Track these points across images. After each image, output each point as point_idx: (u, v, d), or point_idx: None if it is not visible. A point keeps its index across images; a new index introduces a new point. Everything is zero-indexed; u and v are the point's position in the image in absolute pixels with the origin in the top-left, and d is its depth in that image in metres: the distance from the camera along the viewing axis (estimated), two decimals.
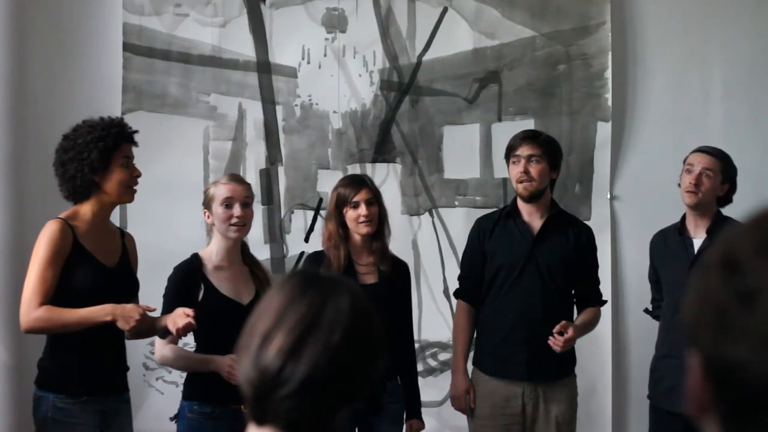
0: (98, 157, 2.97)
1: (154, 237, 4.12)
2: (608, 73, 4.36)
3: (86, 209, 3.04)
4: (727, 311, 0.78)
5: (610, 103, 4.36)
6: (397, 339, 3.36)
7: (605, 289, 3.88)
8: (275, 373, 1.19)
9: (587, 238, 3.59)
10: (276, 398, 1.20)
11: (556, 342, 3.33)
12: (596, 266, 3.62)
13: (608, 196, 4.37)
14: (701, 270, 0.83)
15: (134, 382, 3.80)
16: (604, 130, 4.37)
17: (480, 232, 3.58)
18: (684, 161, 3.60)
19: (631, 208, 4.35)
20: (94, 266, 3.00)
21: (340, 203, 3.37)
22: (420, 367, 4.15)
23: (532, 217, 3.53)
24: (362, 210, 3.33)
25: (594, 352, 4.24)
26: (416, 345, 3.73)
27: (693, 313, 0.82)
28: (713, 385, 0.80)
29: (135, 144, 3.13)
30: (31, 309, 2.90)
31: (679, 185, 3.60)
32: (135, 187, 3.10)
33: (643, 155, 4.37)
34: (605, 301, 3.68)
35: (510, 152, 3.53)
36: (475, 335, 3.61)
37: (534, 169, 3.47)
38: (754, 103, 4.39)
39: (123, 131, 3.07)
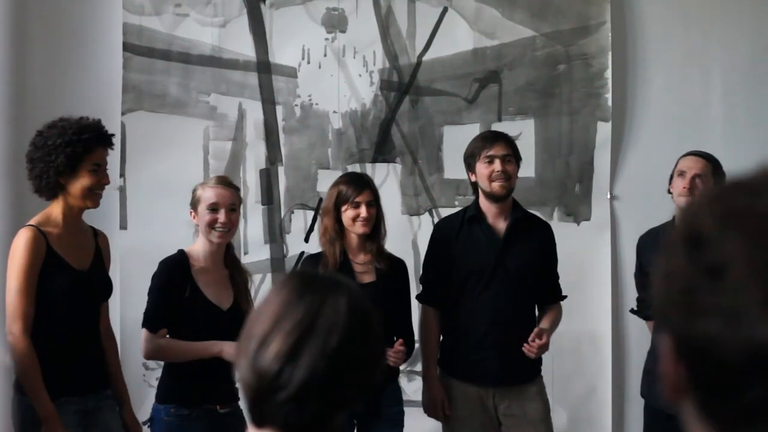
0: (64, 162, 2.96)
1: (154, 237, 4.12)
2: (608, 73, 4.36)
3: (57, 212, 3.03)
4: (694, 288, 0.77)
5: (610, 103, 4.36)
6: (396, 338, 3.34)
7: (605, 289, 3.89)
8: (273, 376, 1.19)
9: (549, 237, 3.58)
10: (274, 402, 1.20)
11: (531, 349, 3.32)
12: (556, 262, 3.60)
13: (608, 196, 4.37)
14: (665, 249, 0.82)
15: (134, 382, 3.81)
16: (604, 130, 4.36)
17: (444, 236, 3.52)
18: (674, 166, 3.61)
19: (631, 208, 4.34)
20: (67, 271, 2.99)
21: (341, 201, 3.35)
22: (420, 367, 4.14)
23: (496, 219, 3.49)
24: (363, 211, 3.32)
25: (594, 352, 4.24)
26: (416, 345, 3.72)
27: (660, 294, 0.81)
28: (686, 366, 0.79)
29: (110, 147, 3.10)
30: (17, 324, 2.90)
31: (669, 192, 3.60)
32: (100, 192, 3.05)
33: (643, 155, 4.37)
34: (565, 296, 3.64)
35: (481, 151, 3.45)
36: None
37: (510, 168, 3.44)
38: (754, 103, 4.38)
39: (96, 137, 3.02)
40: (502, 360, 3.41)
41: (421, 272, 3.70)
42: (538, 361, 3.52)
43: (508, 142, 3.49)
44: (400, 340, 3.27)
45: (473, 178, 3.51)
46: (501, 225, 3.49)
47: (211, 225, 3.18)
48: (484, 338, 3.42)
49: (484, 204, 3.50)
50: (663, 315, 0.81)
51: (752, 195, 0.77)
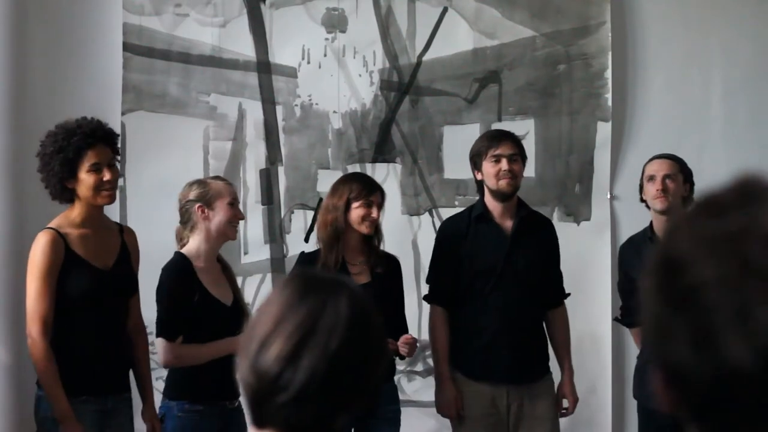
0: (60, 168, 2.97)
1: (154, 237, 4.11)
2: (608, 73, 4.36)
3: (75, 213, 3.04)
4: (668, 315, 0.77)
5: (610, 103, 4.36)
6: (392, 337, 3.30)
7: (605, 289, 3.88)
8: (273, 378, 1.19)
9: (553, 234, 3.61)
10: (275, 403, 1.20)
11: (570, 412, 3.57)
12: (559, 260, 3.62)
13: (608, 196, 4.37)
14: (643, 276, 0.82)
15: (134, 382, 3.80)
16: (604, 130, 4.36)
17: (453, 236, 3.53)
18: (642, 173, 3.62)
19: (631, 208, 4.33)
20: (89, 272, 3.00)
21: (354, 197, 3.33)
22: (420, 367, 4.15)
23: (503, 218, 3.50)
24: (374, 212, 3.33)
25: (594, 352, 4.24)
26: (417, 345, 3.72)
27: (642, 321, 0.82)
28: (670, 389, 0.80)
29: (110, 143, 3.07)
30: (35, 326, 2.91)
31: (642, 200, 3.61)
32: (108, 189, 3.03)
33: (643, 155, 4.35)
34: (568, 294, 3.66)
35: (488, 150, 3.46)
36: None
37: (516, 167, 3.46)
38: (754, 103, 4.38)
39: (85, 138, 2.99)
40: (514, 358, 3.43)
41: (422, 272, 3.70)
42: (548, 358, 3.57)
43: (514, 141, 3.51)
44: (410, 335, 3.31)
45: (479, 177, 3.52)
46: (507, 223, 3.50)
47: (233, 220, 3.18)
48: (496, 337, 3.43)
49: (490, 203, 3.51)
50: (645, 340, 0.82)
51: (721, 214, 0.77)
